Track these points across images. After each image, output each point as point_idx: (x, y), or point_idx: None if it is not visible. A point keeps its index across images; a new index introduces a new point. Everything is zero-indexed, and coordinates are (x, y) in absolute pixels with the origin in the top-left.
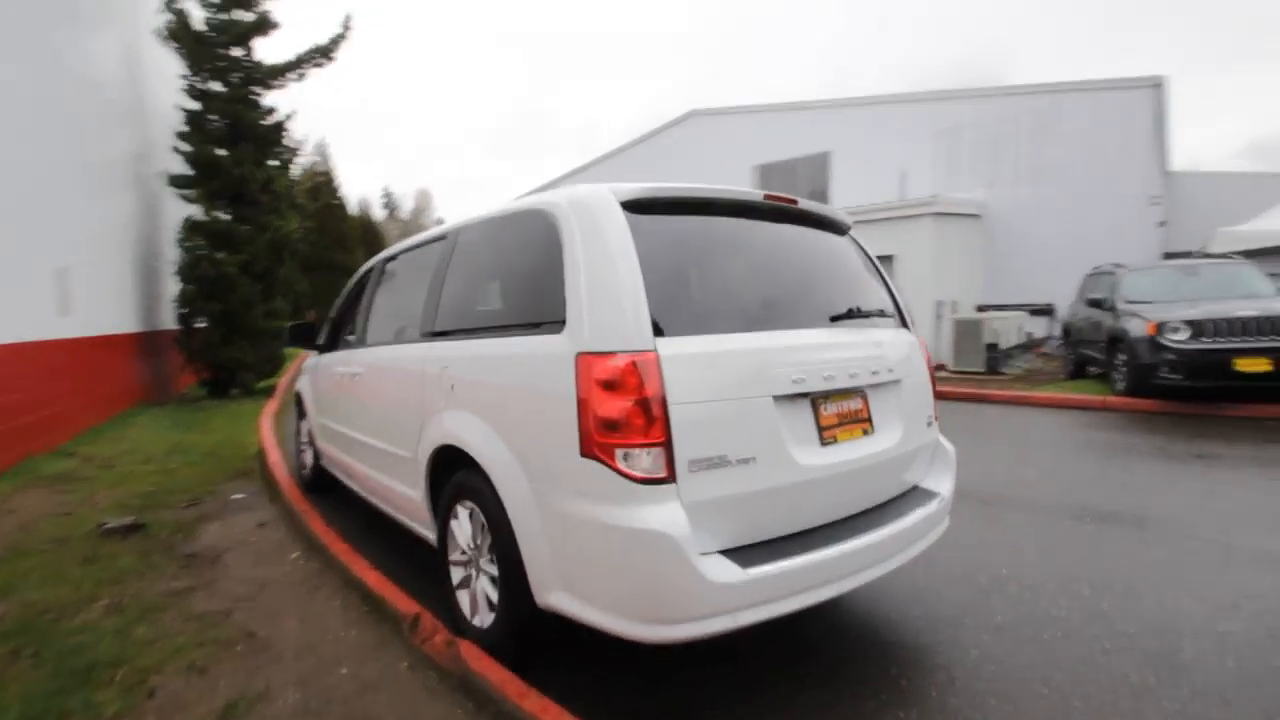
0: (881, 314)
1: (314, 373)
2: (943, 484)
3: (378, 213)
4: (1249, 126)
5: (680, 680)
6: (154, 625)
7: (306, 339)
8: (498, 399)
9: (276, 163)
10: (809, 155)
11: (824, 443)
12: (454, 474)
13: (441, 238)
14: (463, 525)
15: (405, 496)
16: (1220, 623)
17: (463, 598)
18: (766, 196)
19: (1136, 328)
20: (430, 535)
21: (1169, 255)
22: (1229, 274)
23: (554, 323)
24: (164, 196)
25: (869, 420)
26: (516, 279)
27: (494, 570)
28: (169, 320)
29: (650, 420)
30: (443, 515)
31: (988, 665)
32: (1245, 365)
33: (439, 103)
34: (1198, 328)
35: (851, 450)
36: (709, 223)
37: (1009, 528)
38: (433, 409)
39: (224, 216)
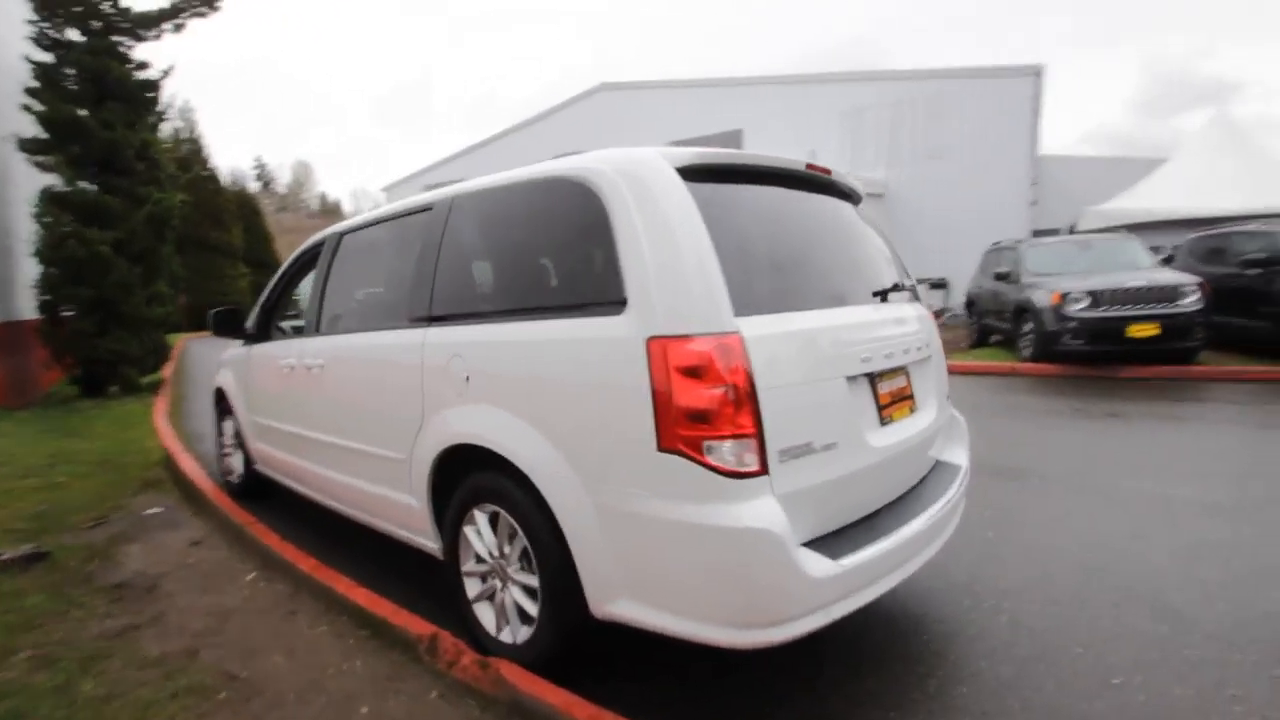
0: (910, 289)
1: (241, 366)
2: (961, 457)
3: (250, 185)
4: (1082, 118)
5: (735, 682)
6: (103, 678)
7: (234, 328)
8: (534, 390)
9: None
10: (722, 133)
11: (883, 422)
12: (466, 476)
13: (426, 209)
14: (482, 533)
15: (393, 503)
16: (1196, 570)
17: (483, 612)
18: (808, 166)
19: (1042, 298)
20: (429, 544)
21: (1037, 233)
22: (1116, 248)
23: (608, 304)
24: (13, 163)
25: (912, 398)
26: (543, 255)
27: (529, 580)
28: (28, 309)
29: (740, 408)
30: (453, 522)
31: (1020, 630)
32: (1137, 331)
33: (318, 68)
34: (1096, 297)
35: (904, 429)
36: (757, 192)
37: (975, 491)
38: (437, 405)
39: (90, 187)
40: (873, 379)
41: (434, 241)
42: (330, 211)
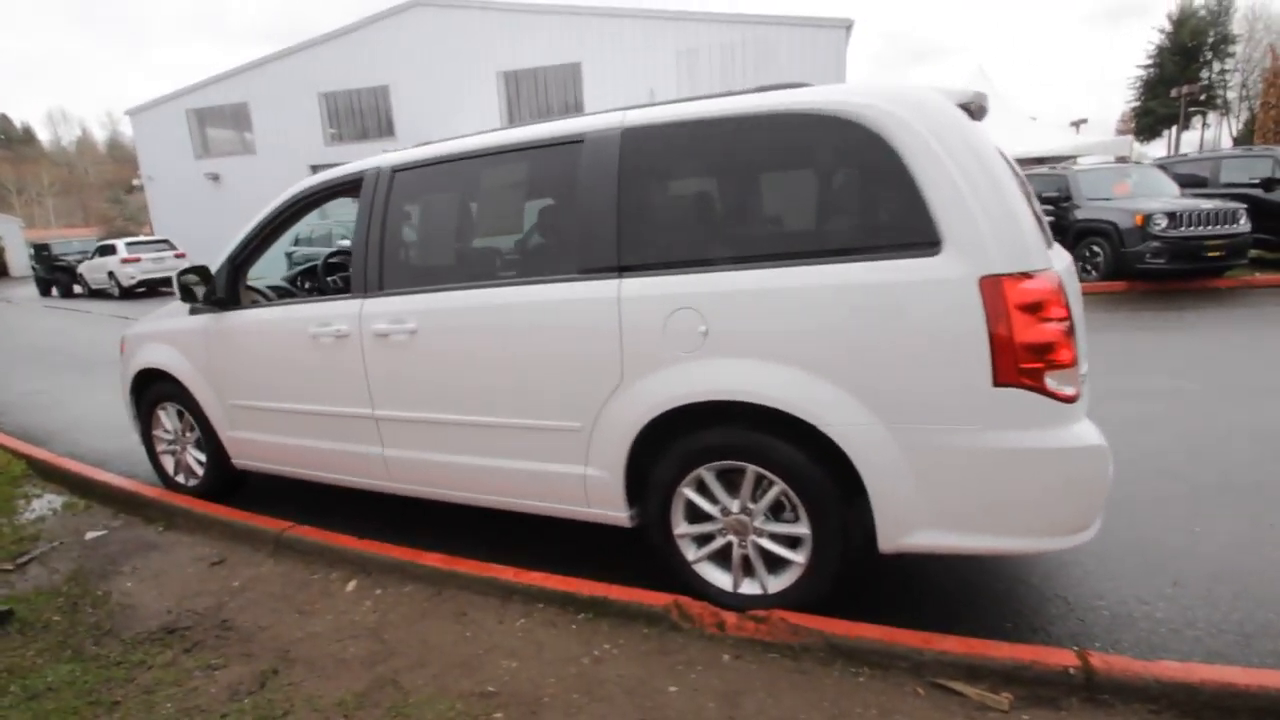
0: None
1: (203, 340)
2: None
3: None
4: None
5: (975, 592)
6: None
7: (206, 292)
8: (817, 337)
9: None
10: (559, 65)
11: None
12: (681, 437)
13: (572, 140)
14: (714, 491)
15: (553, 477)
16: (1146, 442)
17: (709, 571)
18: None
19: None
20: (611, 514)
21: None
22: None
23: (914, 245)
24: None
25: None
26: (799, 195)
27: (788, 529)
28: None
29: (1070, 339)
30: (664, 486)
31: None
32: None
33: None
34: None
35: None
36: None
37: None
38: (647, 364)
39: None
40: None
41: (605, 179)
42: (19, 140)
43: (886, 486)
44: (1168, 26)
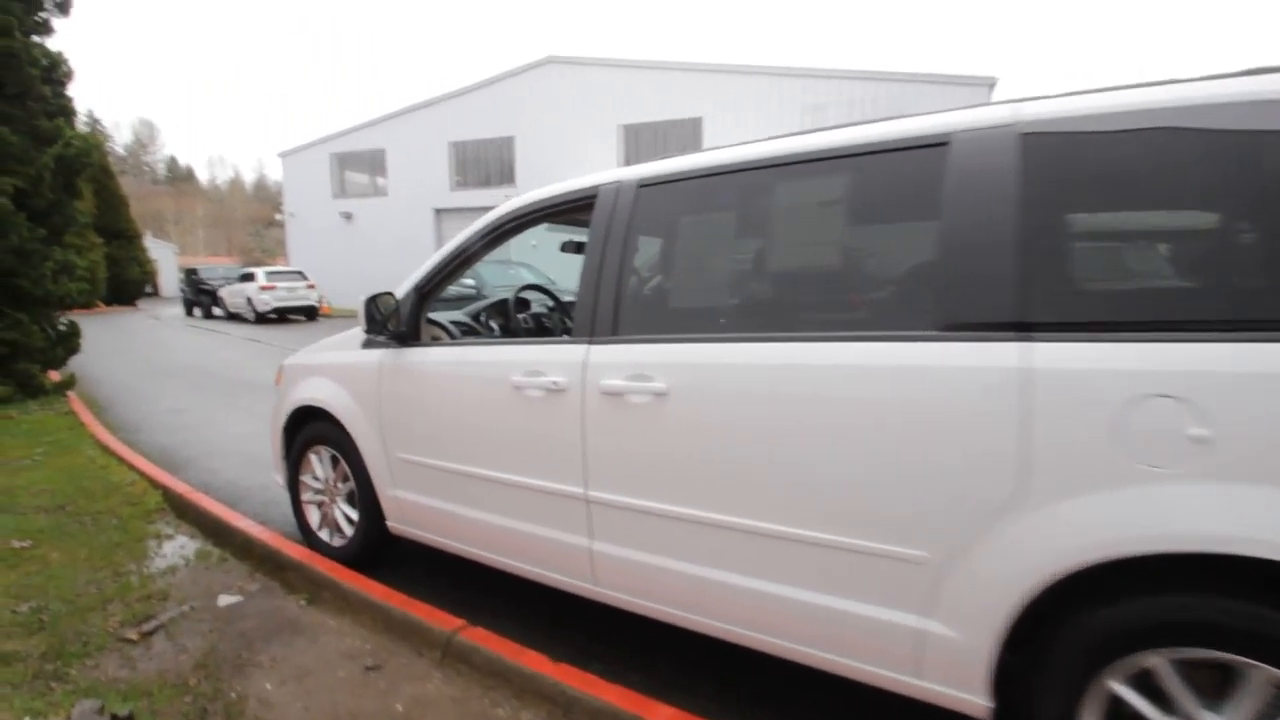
0: None
1: (374, 378)
2: None
3: None
4: None
5: None
6: None
7: (386, 323)
8: None
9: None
10: (680, 119)
11: None
12: (1107, 602)
13: (929, 143)
14: (1171, 692)
15: (851, 620)
16: None
17: None
18: None
19: None
20: (950, 694)
21: None
22: None
23: None
24: None
25: None
26: None
27: None
28: None
29: None
30: (1080, 675)
31: None
32: None
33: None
34: None
35: None
36: None
37: None
38: (1076, 476)
39: None
40: None
41: (994, 199)
42: (182, 178)
43: None
44: None
